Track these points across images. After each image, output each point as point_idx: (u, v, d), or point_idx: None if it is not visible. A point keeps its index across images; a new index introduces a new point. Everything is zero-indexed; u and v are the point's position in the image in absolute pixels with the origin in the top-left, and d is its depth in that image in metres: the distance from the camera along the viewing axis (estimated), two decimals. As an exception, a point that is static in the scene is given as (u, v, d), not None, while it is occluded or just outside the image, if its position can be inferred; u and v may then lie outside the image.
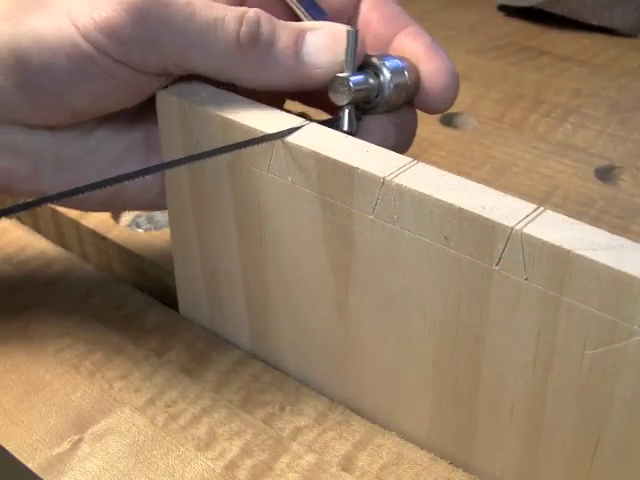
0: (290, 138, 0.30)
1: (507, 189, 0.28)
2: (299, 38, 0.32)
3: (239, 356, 0.37)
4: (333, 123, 0.32)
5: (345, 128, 0.32)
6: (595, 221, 0.45)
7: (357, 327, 0.32)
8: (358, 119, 0.32)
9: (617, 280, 0.24)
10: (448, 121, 0.56)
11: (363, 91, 0.32)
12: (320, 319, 0.33)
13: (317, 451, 0.33)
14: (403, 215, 0.28)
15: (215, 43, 0.31)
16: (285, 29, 0.32)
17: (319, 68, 0.32)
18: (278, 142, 0.30)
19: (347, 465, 0.32)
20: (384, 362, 0.32)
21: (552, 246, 0.25)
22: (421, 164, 0.29)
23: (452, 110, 0.56)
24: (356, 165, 0.29)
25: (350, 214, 0.30)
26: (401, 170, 0.29)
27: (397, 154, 0.30)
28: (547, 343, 0.27)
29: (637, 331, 0.25)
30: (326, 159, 0.29)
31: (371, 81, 0.32)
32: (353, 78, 0.31)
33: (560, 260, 0.25)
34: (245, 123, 0.31)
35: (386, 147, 0.30)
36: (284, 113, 0.32)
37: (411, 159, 0.29)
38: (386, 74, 0.32)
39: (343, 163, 0.29)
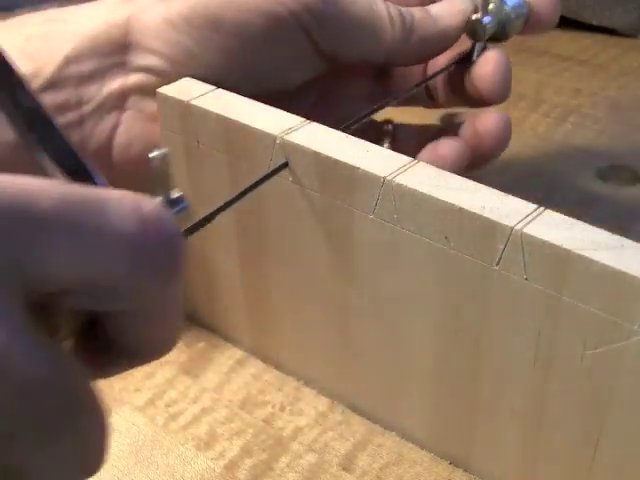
0: (291, 138, 0.30)
1: (507, 189, 0.28)
2: (426, 12, 0.37)
3: (239, 356, 0.37)
4: (466, 56, 0.39)
5: (474, 58, 0.39)
6: (595, 221, 0.45)
7: (357, 327, 0.32)
8: (484, 49, 0.39)
9: (617, 280, 0.24)
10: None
11: (493, 27, 0.39)
12: (320, 319, 0.33)
13: (317, 451, 0.33)
14: (403, 215, 0.28)
15: (381, 30, 0.35)
16: (412, 9, 0.37)
17: (456, 28, 0.38)
18: (277, 142, 0.30)
19: (347, 465, 0.32)
20: (384, 362, 0.32)
21: (552, 246, 0.25)
22: (421, 164, 0.29)
23: (452, 110, 0.56)
24: (357, 165, 0.29)
25: (350, 214, 0.30)
26: (401, 170, 0.29)
27: (397, 154, 0.30)
28: (547, 343, 0.27)
29: (637, 331, 0.25)
30: (326, 159, 0.29)
31: (497, 19, 0.39)
32: (485, 19, 0.38)
33: (560, 260, 0.25)
34: (245, 123, 0.31)
35: (502, 74, 0.38)
36: (284, 113, 0.32)
37: (411, 159, 0.29)
38: (509, 11, 0.39)
39: (343, 163, 0.29)
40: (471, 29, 0.39)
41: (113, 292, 0.19)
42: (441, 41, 0.38)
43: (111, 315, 0.20)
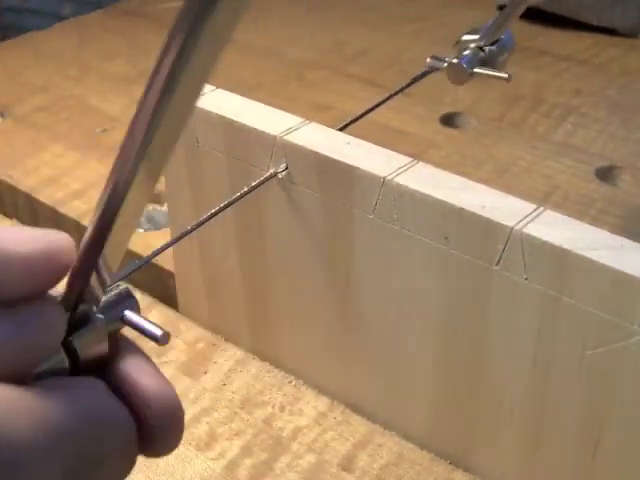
0: (291, 138, 0.30)
1: (507, 189, 0.28)
2: None
3: (239, 356, 0.37)
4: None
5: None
6: (595, 221, 0.45)
7: (357, 327, 0.32)
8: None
9: (617, 280, 0.24)
10: (448, 121, 0.56)
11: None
12: (320, 319, 0.33)
13: (317, 451, 0.33)
14: (403, 215, 0.28)
15: None
16: None
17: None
18: (277, 141, 0.30)
19: (347, 465, 0.32)
20: (384, 362, 0.32)
21: (552, 246, 0.25)
22: (421, 164, 0.29)
23: (452, 110, 0.57)
24: (356, 165, 0.29)
25: (350, 214, 0.30)
26: (401, 170, 0.29)
27: (397, 154, 0.30)
28: (547, 343, 0.27)
29: (637, 331, 0.25)
30: (326, 159, 0.29)
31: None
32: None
33: (560, 260, 0.25)
34: (245, 123, 0.31)
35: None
36: (284, 113, 0.32)
37: (411, 159, 0.29)
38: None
39: (343, 163, 0.29)
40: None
41: None
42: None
43: None
